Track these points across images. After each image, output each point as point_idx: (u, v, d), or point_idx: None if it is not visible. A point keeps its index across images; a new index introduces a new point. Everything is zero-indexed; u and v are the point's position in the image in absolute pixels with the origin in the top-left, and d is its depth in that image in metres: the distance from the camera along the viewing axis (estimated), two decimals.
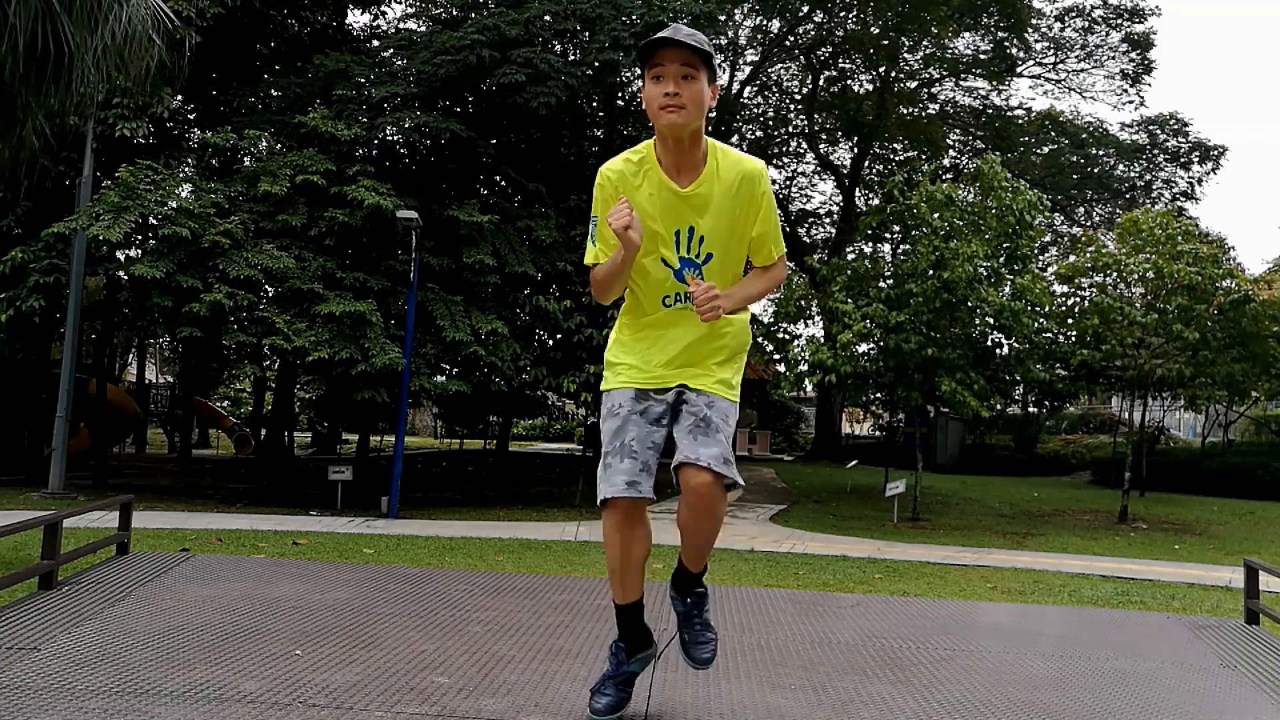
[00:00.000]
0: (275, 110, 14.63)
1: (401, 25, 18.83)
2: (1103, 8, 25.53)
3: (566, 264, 13.92)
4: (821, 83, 27.45)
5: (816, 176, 30.92)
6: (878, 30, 24.22)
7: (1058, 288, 16.35)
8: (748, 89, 26.95)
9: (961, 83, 27.57)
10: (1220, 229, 57.94)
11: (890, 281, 14.62)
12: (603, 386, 3.28)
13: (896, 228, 15.68)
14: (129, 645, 4.03)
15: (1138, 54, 25.88)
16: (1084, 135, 27.55)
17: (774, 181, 30.34)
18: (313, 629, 4.52)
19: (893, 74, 26.51)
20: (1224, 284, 14.86)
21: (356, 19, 21.39)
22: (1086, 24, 25.95)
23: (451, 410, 24.35)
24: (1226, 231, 69.79)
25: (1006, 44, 25.04)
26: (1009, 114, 28.06)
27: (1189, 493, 19.46)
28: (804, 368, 14.42)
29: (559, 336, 15.39)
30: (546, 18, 14.72)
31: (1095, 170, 28.32)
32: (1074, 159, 27.97)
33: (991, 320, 14.03)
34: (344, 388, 12.78)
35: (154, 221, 12.31)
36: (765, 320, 15.93)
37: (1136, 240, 15.58)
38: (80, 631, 4.20)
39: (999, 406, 18.50)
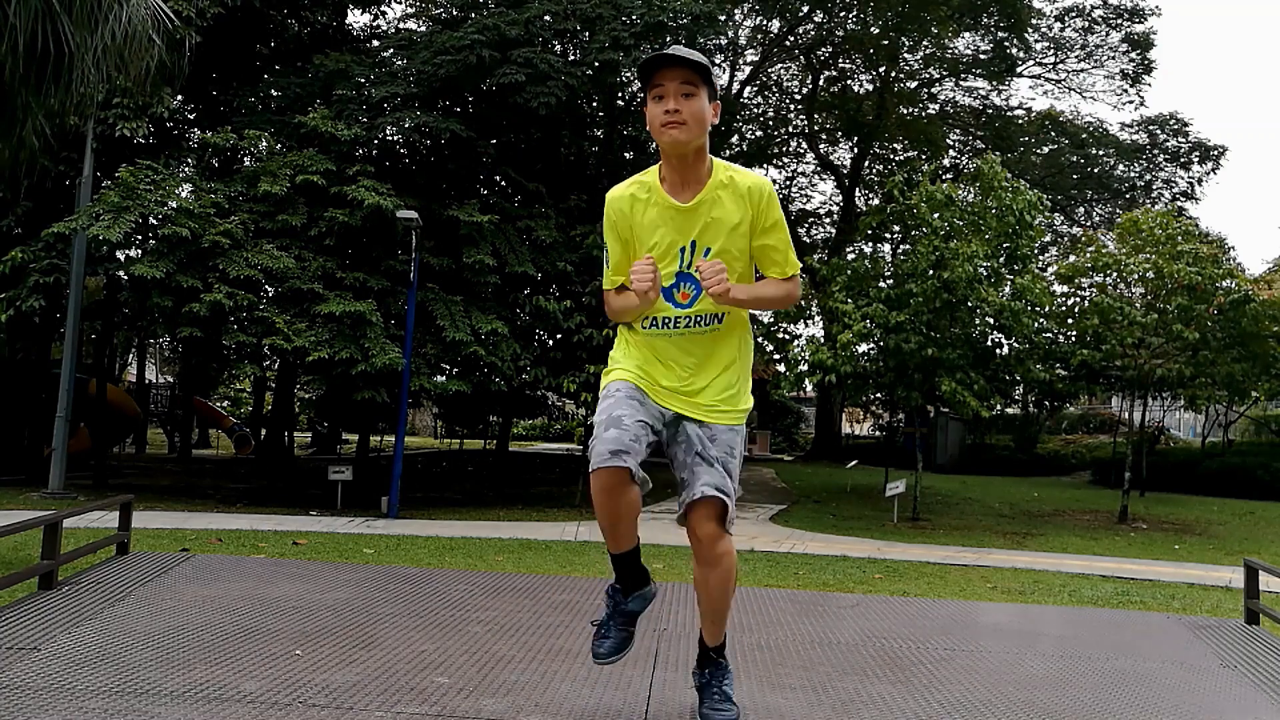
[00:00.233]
0: (275, 110, 14.63)
1: (401, 25, 18.84)
2: (1103, 8, 25.54)
3: (566, 264, 13.92)
4: (821, 83, 27.45)
5: (816, 176, 30.94)
6: (878, 30, 24.21)
7: (1058, 288, 16.35)
8: (748, 89, 26.96)
9: (961, 83, 27.57)
10: (1220, 229, 57.99)
11: (890, 281, 14.62)
12: (604, 380, 3.30)
13: (896, 228, 15.69)
14: (129, 645, 4.03)
15: (1138, 54, 25.88)
16: (1084, 135, 27.55)
17: (774, 181, 30.32)
18: (313, 629, 4.52)
19: (893, 74, 26.51)
20: (1224, 284, 14.86)
21: (356, 19, 21.40)
22: (1086, 24, 25.95)
23: (451, 410, 24.35)
24: (1226, 231, 69.84)
25: (1006, 44, 25.03)
26: (1009, 114, 28.06)
27: (1189, 493, 19.46)
28: (804, 368, 14.42)
29: (559, 336, 15.39)
30: (546, 18, 14.72)
31: (1095, 170, 28.31)
32: (1074, 159, 27.96)
33: (991, 320, 14.03)
34: (344, 388, 12.78)
35: (154, 221, 12.31)
36: (765, 320, 15.93)
37: (1136, 240, 15.58)
38: (80, 631, 4.20)
39: (999, 406, 18.50)
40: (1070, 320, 15.71)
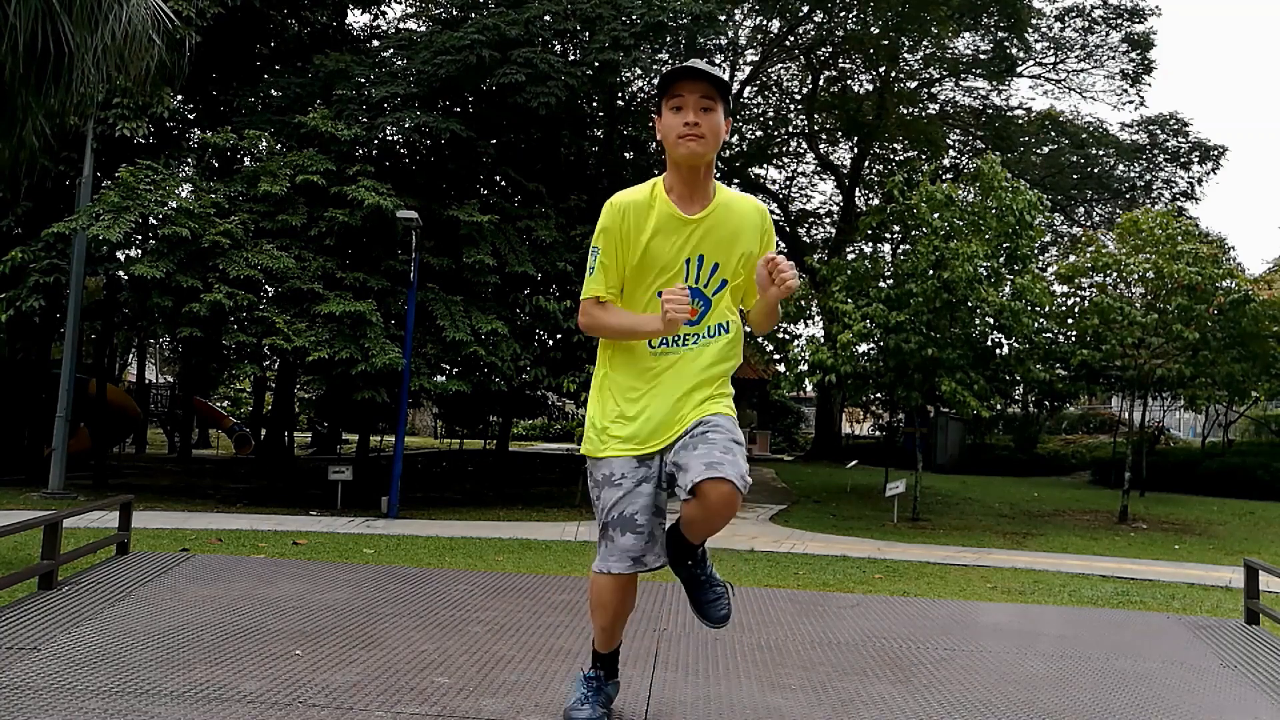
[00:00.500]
0: (275, 110, 14.62)
1: (401, 25, 18.83)
2: (1103, 8, 25.53)
3: (566, 264, 13.92)
4: (821, 83, 27.45)
5: (816, 176, 30.93)
6: (878, 30, 24.21)
7: (1058, 288, 16.35)
8: (748, 89, 26.96)
9: (961, 83, 27.57)
10: (1220, 229, 57.99)
11: (890, 281, 14.62)
12: (590, 452, 3.12)
13: (896, 228, 15.68)
14: (129, 645, 4.03)
15: (1138, 54, 25.87)
16: (1084, 135, 27.55)
17: (774, 181, 30.38)
18: (313, 629, 4.52)
19: (893, 74, 26.50)
20: (1224, 284, 14.86)
21: (356, 19, 21.42)
22: (1086, 24, 25.95)
23: (451, 410, 24.35)
24: (1226, 231, 69.87)
25: (1006, 44, 25.03)
26: (1009, 114, 28.06)
27: (1189, 493, 19.46)
28: (804, 368, 14.42)
29: (559, 336, 15.40)
30: (546, 18, 14.71)
31: (1095, 170, 28.31)
32: (1074, 159, 27.96)
33: (991, 320, 14.03)
34: (344, 388, 12.78)
35: (154, 221, 12.31)
36: None
37: (1136, 240, 15.58)
38: (80, 631, 4.20)
39: (999, 406, 18.50)
40: (1070, 320, 15.71)
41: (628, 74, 16.40)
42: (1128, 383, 15.91)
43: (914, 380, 13.92)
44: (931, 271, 13.42)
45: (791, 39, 25.86)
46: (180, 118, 15.86)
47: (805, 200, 31.50)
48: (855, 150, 28.34)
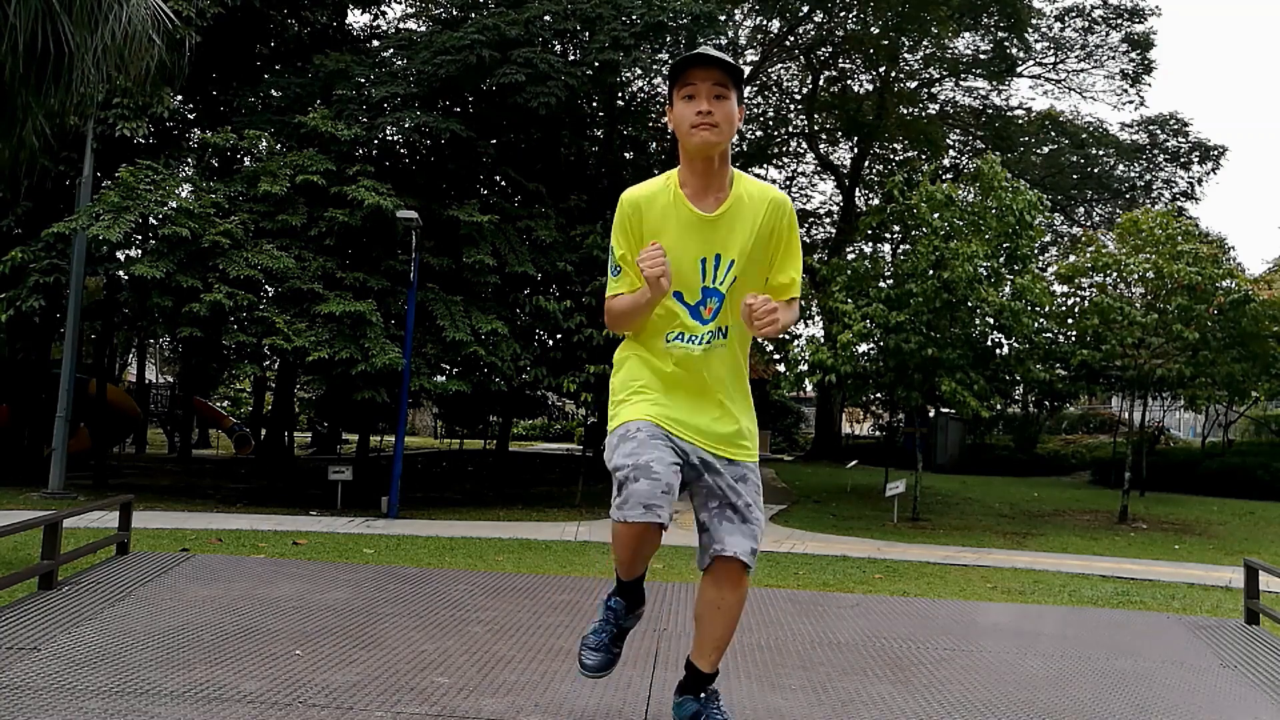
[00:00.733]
0: (275, 110, 14.63)
1: (401, 25, 18.83)
2: (1103, 8, 25.53)
3: (566, 264, 13.92)
4: (821, 83, 27.45)
5: (816, 176, 30.93)
6: (878, 30, 24.21)
7: (1058, 288, 16.35)
8: (748, 89, 26.96)
9: (961, 83, 27.57)
10: (1220, 229, 57.98)
11: (890, 281, 14.62)
12: (614, 420, 3.02)
13: (896, 228, 15.69)
14: (129, 645, 4.03)
15: (1138, 54, 25.87)
16: (1084, 135, 27.54)
17: (774, 182, 30.35)
18: (313, 629, 4.52)
19: (893, 74, 26.51)
20: (1224, 284, 14.86)
21: (356, 19, 21.39)
22: (1086, 24, 25.95)
23: (451, 410, 24.35)
24: (1226, 231, 69.83)
25: (1006, 44, 25.03)
26: (1009, 114, 28.05)
27: (1189, 493, 19.45)
28: (804, 368, 14.42)
29: (559, 336, 15.40)
30: (546, 18, 14.72)
31: (1095, 170, 28.31)
32: (1074, 159, 27.95)
33: (991, 320, 14.03)
34: (344, 388, 12.78)
35: (154, 221, 12.31)
36: None
37: (1136, 240, 15.58)
38: (80, 631, 4.20)
39: (999, 406, 18.51)
40: (1070, 320, 15.71)
41: (628, 74, 16.39)
42: (1128, 383, 15.91)
43: (914, 380, 13.92)
44: (931, 271, 13.42)
45: (791, 39, 25.87)
46: (180, 118, 15.86)
47: (805, 200, 31.49)
48: (855, 150, 28.34)
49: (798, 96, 28.37)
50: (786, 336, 16.14)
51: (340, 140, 13.09)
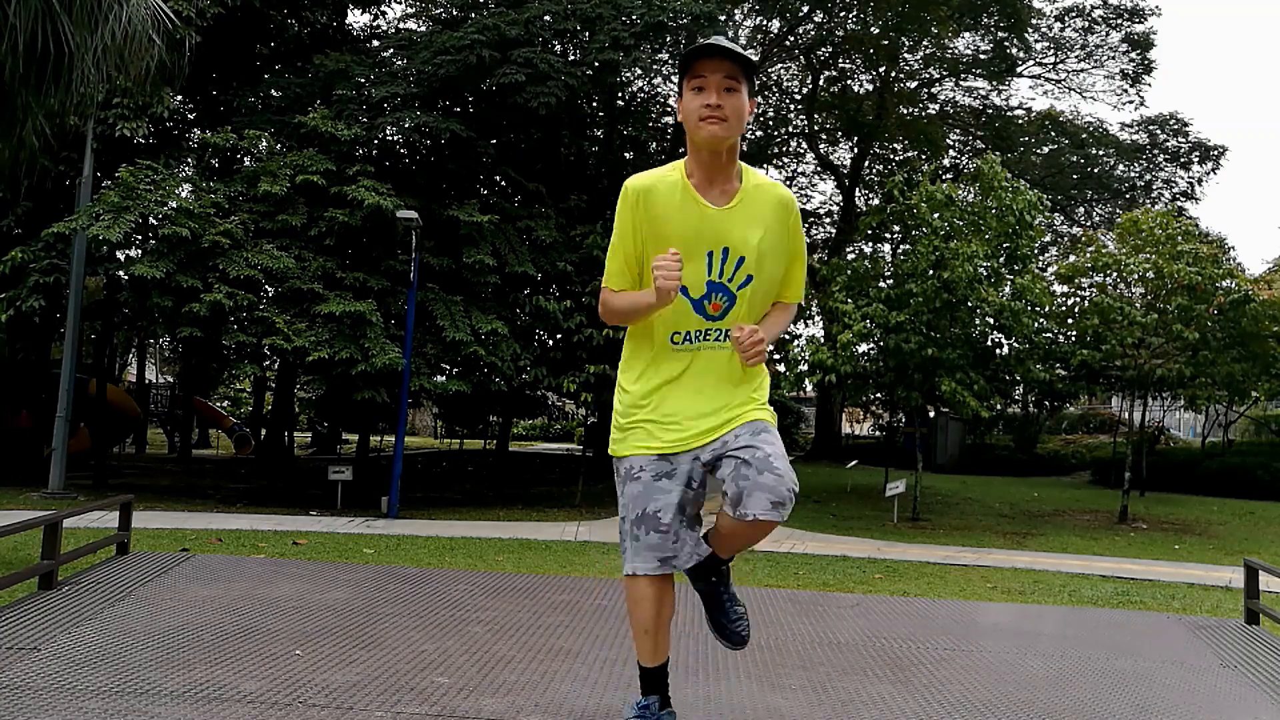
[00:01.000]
0: (275, 110, 14.64)
1: (401, 25, 18.84)
2: (1103, 8, 25.52)
3: (566, 264, 13.92)
4: (821, 83, 27.44)
5: (816, 176, 30.91)
6: (878, 30, 24.21)
7: (1058, 288, 16.36)
8: None
9: (961, 83, 27.56)
10: (1220, 229, 57.96)
11: (890, 281, 14.62)
12: (614, 451, 3.02)
13: (896, 228, 15.68)
14: (129, 645, 4.03)
15: (1138, 54, 25.86)
16: (1084, 135, 27.53)
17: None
18: (313, 629, 4.52)
19: (893, 74, 26.50)
20: (1224, 284, 14.86)
21: (356, 19, 21.40)
22: (1086, 24, 25.93)
23: (451, 410, 24.35)
24: (1226, 231, 69.80)
25: (1006, 44, 25.02)
26: (1009, 114, 28.04)
27: (1189, 493, 19.45)
28: (804, 368, 14.42)
29: (559, 336, 15.40)
30: (546, 18, 14.72)
31: (1095, 170, 28.30)
32: (1074, 159, 27.95)
33: (991, 320, 14.03)
34: (344, 388, 12.78)
35: (154, 221, 12.32)
36: None
37: (1136, 240, 15.59)
38: (80, 631, 4.20)
39: (999, 406, 18.51)
40: (1070, 320, 15.71)
41: (628, 74, 16.38)
42: (1128, 383, 15.91)
43: (914, 380, 13.92)
44: (931, 271, 13.42)
45: (791, 39, 25.86)
46: (180, 118, 15.86)
47: (805, 200, 31.45)
48: (855, 150, 28.33)
49: (798, 96, 28.36)
50: (786, 336, 16.14)
51: (340, 140, 13.09)
